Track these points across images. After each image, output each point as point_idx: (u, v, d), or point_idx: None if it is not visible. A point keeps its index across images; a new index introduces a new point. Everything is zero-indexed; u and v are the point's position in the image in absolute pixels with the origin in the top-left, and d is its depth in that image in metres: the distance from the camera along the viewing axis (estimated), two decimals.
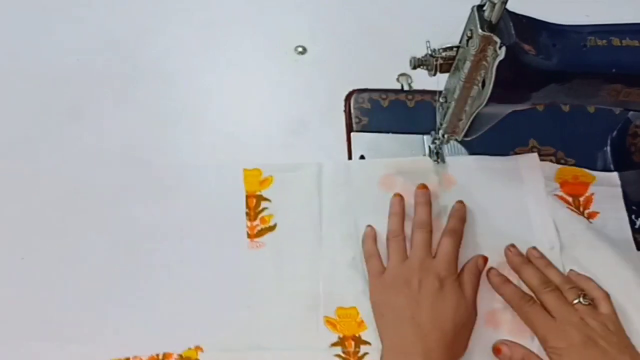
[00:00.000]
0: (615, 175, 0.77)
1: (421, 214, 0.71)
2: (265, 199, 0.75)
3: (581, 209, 0.74)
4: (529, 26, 0.57)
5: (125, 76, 0.84)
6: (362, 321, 0.68)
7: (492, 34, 0.53)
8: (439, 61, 0.63)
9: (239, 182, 0.75)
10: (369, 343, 0.66)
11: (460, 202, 0.73)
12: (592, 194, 0.76)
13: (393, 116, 0.82)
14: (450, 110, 0.64)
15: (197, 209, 0.74)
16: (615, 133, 0.79)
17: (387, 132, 0.80)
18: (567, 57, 0.56)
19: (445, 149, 0.78)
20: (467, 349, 0.64)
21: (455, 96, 0.62)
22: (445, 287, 0.64)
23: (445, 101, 0.65)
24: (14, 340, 0.66)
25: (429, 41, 0.65)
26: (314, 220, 0.74)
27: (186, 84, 0.85)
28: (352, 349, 0.66)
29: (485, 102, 0.57)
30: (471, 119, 0.62)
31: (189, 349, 0.66)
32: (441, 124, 0.68)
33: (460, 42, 0.60)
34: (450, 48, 0.62)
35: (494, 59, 0.54)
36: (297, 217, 0.74)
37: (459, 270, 0.68)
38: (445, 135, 0.73)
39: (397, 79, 0.85)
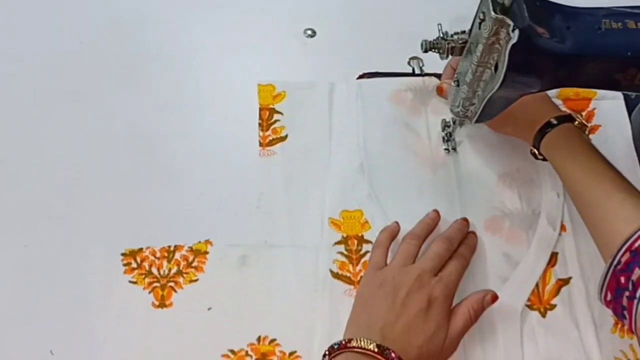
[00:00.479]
0: None
1: (452, 232, 0.69)
2: (278, 112, 0.80)
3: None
4: (542, 9, 0.56)
5: (129, 59, 0.84)
6: (366, 222, 0.72)
7: (505, 17, 0.53)
8: (450, 44, 0.62)
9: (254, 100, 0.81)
10: (370, 242, 0.70)
11: (473, 232, 0.70)
12: (594, 108, 0.79)
13: None
14: (462, 94, 0.63)
15: (212, 122, 0.80)
16: (630, 117, 0.78)
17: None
18: (581, 40, 0.55)
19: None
20: None
21: (468, 80, 0.61)
22: (432, 309, 0.61)
23: (457, 85, 0.64)
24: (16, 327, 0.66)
25: (440, 24, 0.65)
26: (324, 132, 0.79)
27: (192, 68, 0.84)
28: (354, 247, 0.71)
29: (498, 86, 0.57)
30: (484, 103, 0.61)
31: (199, 242, 0.71)
32: (453, 108, 0.67)
33: (472, 25, 0.59)
34: (463, 31, 0.62)
35: (507, 42, 0.53)
36: (308, 129, 0.79)
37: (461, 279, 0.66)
38: (457, 120, 0.72)
39: (409, 62, 0.84)
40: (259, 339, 0.66)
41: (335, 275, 0.69)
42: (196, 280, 0.69)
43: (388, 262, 0.66)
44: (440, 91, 0.79)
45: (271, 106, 0.80)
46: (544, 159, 0.69)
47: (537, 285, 0.68)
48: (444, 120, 0.76)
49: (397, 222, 0.70)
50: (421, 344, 0.59)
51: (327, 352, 0.59)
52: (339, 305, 0.67)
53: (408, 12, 0.88)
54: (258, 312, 0.67)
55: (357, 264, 0.70)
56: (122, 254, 0.70)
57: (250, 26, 0.87)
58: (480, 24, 0.56)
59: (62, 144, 0.77)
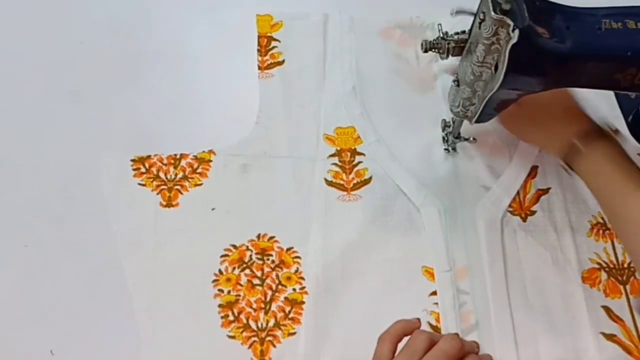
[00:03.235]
0: None
1: (471, 345, 0.61)
2: (275, 40, 0.86)
3: None
4: (542, 9, 0.56)
5: (129, 60, 0.84)
6: (359, 137, 0.77)
7: (505, 17, 0.53)
8: (450, 44, 0.62)
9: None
10: (363, 154, 0.76)
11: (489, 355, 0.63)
12: None
13: None
14: (462, 94, 0.63)
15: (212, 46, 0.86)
16: (630, 118, 0.78)
17: None
18: (581, 40, 0.55)
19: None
20: None
21: (468, 80, 0.61)
22: None
23: (458, 85, 0.64)
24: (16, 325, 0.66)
25: (440, 24, 0.65)
26: (318, 58, 0.84)
27: (192, 67, 0.84)
28: (347, 159, 0.76)
29: (498, 86, 0.57)
30: (484, 103, 0.61)
31: (203, 151, 0.76)
32: (453, 108, 0.67)
33: (472, 25, 0.59)
34: (463, 31, 0.62)
35: (507, 42, 0.53)
36: (304, 55, 0.84)
37: None
38: (457, 120, 0.72)
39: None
40: (258, 236, 0.71)
41: (330, 183, 0.74)
42: (200, 184, 0.74)
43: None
44: None
45: (269, 34, 0.86)
46: (572, 169, 0.67)
47: (518, 194, 0.73)
48: (443, 120, 0.76)
49: (418, 319, 0.60)
50: None
51: None
52: (333, 208, 0.72)
53: None
54: (258, 213, 0.72)
55: (350, 173, 0.75)
56: (132, 160, 0.75)
57: (251, 26, 0.87)
58: (480, 24, 0.56)
59: (62, 144, 0.77)
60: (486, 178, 0.74)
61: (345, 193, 0.73)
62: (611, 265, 0.69)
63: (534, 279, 0.68)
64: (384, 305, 0.66)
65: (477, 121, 0.65)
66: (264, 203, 0.73)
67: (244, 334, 0.65)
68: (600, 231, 0.71)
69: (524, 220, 0.72)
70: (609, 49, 0.56)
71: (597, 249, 0.70)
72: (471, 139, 0.75)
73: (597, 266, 0.69)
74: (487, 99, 0.60)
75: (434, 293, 0.67)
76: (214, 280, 0.68)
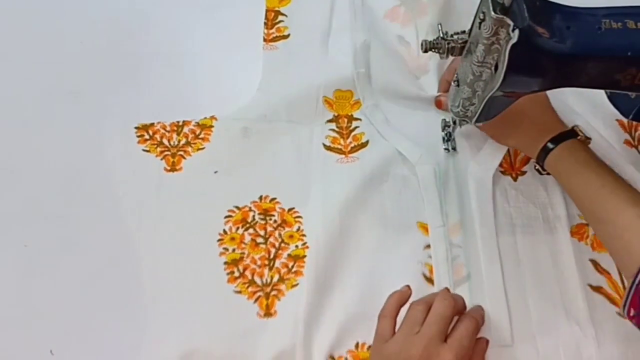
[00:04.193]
0: None
1: (454, 294, 0.65)
2: (282, 14, 0.87)
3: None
4: (542, 9, 0.56)
5: (129, 59, 0.84)
6: (355, 102, 0.80)
7: (504, 17, 0.53)
8: (450, 44, 0.62)
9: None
10: (359, 119, 0.79)
11: (479, 306, 0.67)
12: None
13: None
14: (462, 94, 0.63)
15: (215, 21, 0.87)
16: (630, 117, 0.78)
17: None
18: (581, 40, 0.55)
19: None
20: None
21: (468, 80, 0.61)
22: None
23: (458, 85, 0.64)
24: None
25: (440, 24, 0.65)
26: (323, 33, 0.85)
27: (192, 65, 0.84)
28: (344, 125, 0.78)
29: (498, 86, 0.57)
30: (484, 103, 0.61)
31: (205, 118, 0.78)
32: (453, 108, 0.67)
33: (472, 25, 0.59)
34: (463, 31, 0.61)
35: (507, 42, 0.53)
36: (309, 30, 0.86)
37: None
38: (457, 120, 0.72)
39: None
40: (260, 197, 0.73)
41: (328, 148, 0.77)
42: (203, 148, 0.76)
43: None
44: (439, 105, 0.78)
45: (277, 9, 0.88)
46: (549, 174, 0.69)
47: (509, 154, 0.75)
48: (443, 120, 0.76)
49: (408, 286, 0.66)
50: None
51: None
52: (332, 171, 0.75)
53: None
54: (259, 176, 0.75)
55: (347, 137, 0.78)
56: (136, 127, 0.77)
57: (251, 23, 0.87)
58: (480, 24, 0.56)
59: (62, 144, 0.77)
60: (478, 138, 0.76)
61: (343, 156, 0.76)
62: None
63: (524, 235, 0.71)
64: (381, 257, 0.69)
65: (477, 121, 0.65)
66: (265, 166, 0.75)
67: (250, 289, 0.68)
68: None
69: (515, 179, 0.74)
70: (609, 49, 0.56)
71: None
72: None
73: (585, 222, 0.71)
74: (487, 99, 0.60)
75: (428, 247, 0.70)
76: (219, 240, 0.71)
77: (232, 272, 0.69)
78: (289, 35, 0.85)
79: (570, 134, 0.67)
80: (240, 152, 0.76)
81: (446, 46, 0.62)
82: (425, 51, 0.63)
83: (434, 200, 0.72)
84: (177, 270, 0.69)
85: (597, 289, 0.68)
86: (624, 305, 0.58)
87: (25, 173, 0.75)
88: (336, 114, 0.79)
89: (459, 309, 0.63)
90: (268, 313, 0.66)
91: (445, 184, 0.73)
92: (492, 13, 0.53)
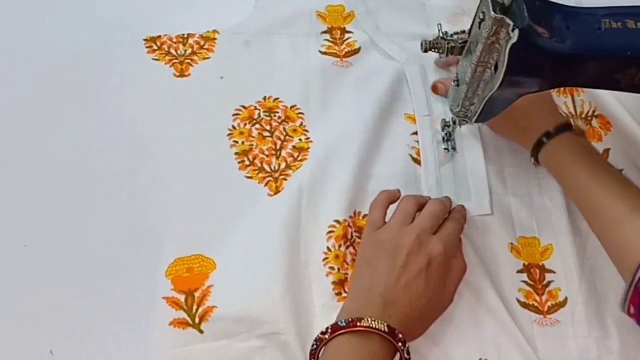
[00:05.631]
0: None
1: (443, 198, 0.70)
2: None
3: None
4: (542, 9, 0.56)
5: (130, 60, 0.83)
6: (348, 15, 0.87)
7: (504, 17, 0.53)
8: (450, 44, 0.62)
9: None
10: (351, 32, 0.86)
11: (462, 205, 0.71)
12: None
13: None
14: (462, 94, 0.63)
15: None
16: None
17: None
18: (581, 40, 0.55)
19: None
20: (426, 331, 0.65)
21: (468, 80, 0.61)
22: (432, 269, 0.62)
23: (457, 85, 0.64)
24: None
25: (440, 24, 0.65)
26: None
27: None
28: (338, 36, 0.85)
29: (498, 86, 0.57)
30: (484, 103, 0.61)
31: (208, 31, 0.85)
32: (453, 108, 0.67)
33: (472, 25, 0.59)
34: (463, 31, 0.62)
35: (507, 42, 0.53)
36: None
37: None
38: (457, 120, 0.72)
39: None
40: (265, 98, 0.80)
41: (324, 54, 0.84)
42: (208, 58, 0.83)
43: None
44: (435, 89, 0.80)
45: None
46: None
47: None
48: (443, 120, 0.76)
49: (399, 190, 0.71)
50: (423, 305, 0.61)
51: (330, 329, 0.59)
52: (329, 73, 0.82)
53: None
54: (263, 80, 0.81)
55: (341, 45, 0.85)
56: (144, 40, 0.83)
57: None
58: (480, 23, 0.56)
59: (62, 144, 0.76)
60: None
61: (338, 59, 0.83)
62: (570, 116, 0.79)
63: None
64: (373, 143, 0.76)
65: (477, 121, 0.65)
66: (267, 72, 0.82)
67: (260, 175, 0.75)
68: (561, 90, 0.81)
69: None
70: (609, 49, 0.56)
71: (559, 102, 0.78)
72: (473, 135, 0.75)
73: None
74: (487, 99, 0.60)
75: (415, 133, 0.77)
76: (229, 134, 0.77)
77: (243, 161, 0.75)
78: None
79: (566, 126, 0.68)
80: (244, 61, 0.83)
81: (446, 46, 0.62)
82: (426, 51, 0.63)
83: (421, 95, 0.80)
84: (192, 162, 0.75)
85: None
86: (623, 305, 0.58)
87: (25, 173, 0.75)
88: (330, 27, 0.86)
89: (447, 213, 0.69)
90: (277, 192, 0.73)
91: (431, 81, 0.81)
92: (492, 13, 0.53)
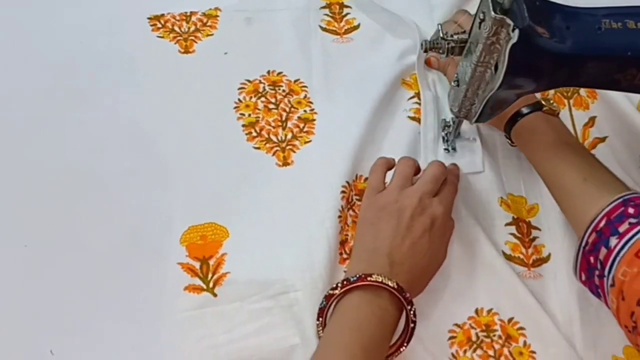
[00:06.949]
0: None
1: (439, 162, 0.72)
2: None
3: None
4: (542, 9, 0.56)
5: (129, 59, 0.83)
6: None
7: (504, 17, 0.53)
8: (450, 44, 0.62)
9: None
10: (349, 7, 0.89)
11: (455, 164, 0.74)
12: None
13: None
14: (462, 94, 0.63)
15: None
16: None
17: None
18: (581, 40, 0.55)
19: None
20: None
21: (468, 80, 0.61)
22: (434, 229, 0.65)
23: (457, 85, 0.64)
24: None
25: (440, 24, 0.65)
26: None
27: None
28: (337, 11, 0.89)
29: (498, 86, 0.57)
30: (484, 103, 0.61)
31: (210, 9, 0.88)
32: (453, 108, 0.67)
33: (472, 25, 0.59)
34: (463, 31, 0.62)
35: (507, 42, 0.53)
36: None
37: None
38: (457, 120, 0.72)
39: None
40: (268, 72, 0.82)
41: (324, 29, 0.87)
42: (212, 34, 0.85)
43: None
44: (428, 63, 0.83)
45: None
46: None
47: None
48: (443, 120, 0.76)
49: (393, 159, 0.72)
50: (426, 264, 0.65)
51: (339, 285, 0.61)
52: (330, 50, 0.85)
53: None
54: (266, 54, 0.84)
55: (340, 21, 0.88)
56: (148, 18, 0.86)
57: None
58: (480, 24, 0.56)
59: (62, 144, 0.76)
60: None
61: (338, 37, 0.86)
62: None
63: None
64: (375, 109, 0.78)
65: (477, 121, 0.65)
66: (270, 46, 0.84)
67: (267, 145, 0.77)
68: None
69: None
70: (609, 49, 0.56)
71: None
72: (471, 138, 0.75)
73: None
74: (487, 99, 0.60)
75: (411, 98, 0.80)
76: (235, 107, 0.79)
77: (250, 133, 0.78)
78: None
79: (537, 105, 0.70)
80: (246, 37, 0.85)
81: (446, 46, 0.62)
82: (426, 51, 0.64)
83: (420, 63, 0.82)
84: (201, 134, 0.77)
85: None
86: (575, 271, 0.60)
87: (25, 173, 0.74)
88: (328, 2, 0.89)
89: (445, 175, 0.71)
90: (286, 163, 0.75)
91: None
92: (492, 13, 0.53)
